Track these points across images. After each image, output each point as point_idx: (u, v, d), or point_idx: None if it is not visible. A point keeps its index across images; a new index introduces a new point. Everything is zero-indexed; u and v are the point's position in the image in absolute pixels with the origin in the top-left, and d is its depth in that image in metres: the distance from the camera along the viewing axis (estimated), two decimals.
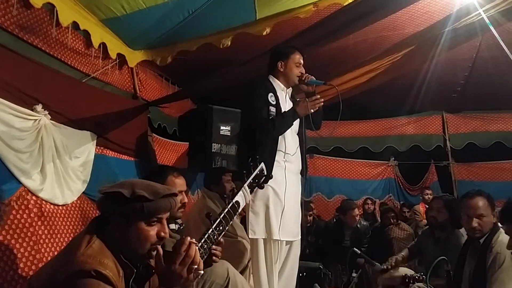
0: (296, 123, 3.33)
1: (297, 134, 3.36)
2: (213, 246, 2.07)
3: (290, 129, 3.26)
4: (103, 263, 1.62)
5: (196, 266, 1.67)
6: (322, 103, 3.21)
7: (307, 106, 3.19)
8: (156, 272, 1.75)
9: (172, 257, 1.66)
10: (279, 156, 3.20)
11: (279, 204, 3.17)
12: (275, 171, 3.12)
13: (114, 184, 1.78)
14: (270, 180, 3.11)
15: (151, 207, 1.70)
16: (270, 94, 3.22)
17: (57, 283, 1.60)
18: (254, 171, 2.61)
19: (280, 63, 3.31)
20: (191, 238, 1.73)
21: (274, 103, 3.21)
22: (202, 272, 1.74)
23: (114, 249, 1.70)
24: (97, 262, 1.60)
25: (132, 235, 1.71)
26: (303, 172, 3.40)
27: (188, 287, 1.71)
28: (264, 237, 3.15)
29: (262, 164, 2.71)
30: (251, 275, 3.61)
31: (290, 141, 3.26)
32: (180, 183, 2.60)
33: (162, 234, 1.75)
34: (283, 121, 3.20)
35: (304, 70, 3.32)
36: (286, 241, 3.26)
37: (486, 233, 3.00)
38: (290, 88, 3.40)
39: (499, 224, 2.98)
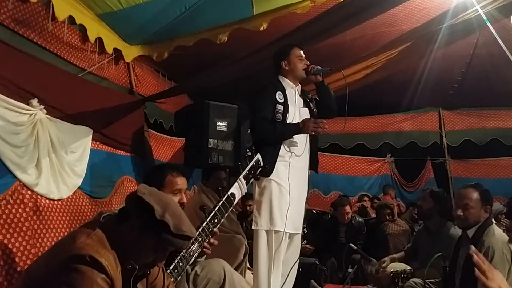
0: (307, 116, 3.37)
1: None
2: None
3: None
4: (100, 252, 1.63)
5: None
6: (324, 130, 3.23)
7: (310, 126, 3.20)
8: None
9: None
10: (283, 151, 3.26)
11: (282, 197, 3.23)
12: (278, 166, 3.20)
13: (154, 190, 1.81)
14: (273, 174, 3.19)
15: (166, 240, 1.71)
16: (278, 92, 3.30)
17: (54, 268, 1.61)
18: (250, 163, 2.61)
19: (283, 62, 3.39)
20: None
21: (281, 101, 3.28)
22: None
23: (116, 245, 1.71)
24: (94, 250, 1.62)
25: (135, 246, 1.72)
26: (314, 167, 3.47)
27: None
28: (266, 229, 3.22)
29: (258, 155, 2.72)
30: (247, 270, 3.63)
31: (297, 136, 3.29)
32: (179, 182, 2.43)
33: (157, 263, 1.79)
34: (284, 130, 3.26)
35: (308, 62, 3.40)
36: (288, 233, 3.30)
37: (473, 226, 3.02)
38: (299, 85, 3.46)
39: (493, 220, 3.00)
